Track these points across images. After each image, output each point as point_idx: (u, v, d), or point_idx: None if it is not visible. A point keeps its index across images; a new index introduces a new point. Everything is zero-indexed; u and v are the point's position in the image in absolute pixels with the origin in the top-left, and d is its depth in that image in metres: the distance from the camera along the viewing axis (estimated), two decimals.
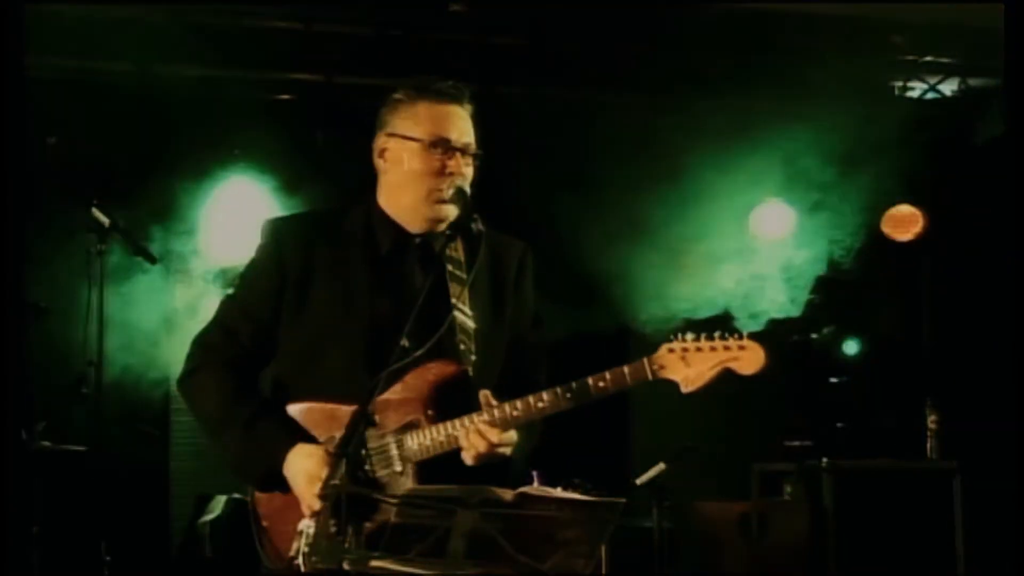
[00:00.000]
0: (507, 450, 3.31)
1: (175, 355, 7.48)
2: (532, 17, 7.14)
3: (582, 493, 3.31)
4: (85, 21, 6.70)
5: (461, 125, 3.43)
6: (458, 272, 3.42)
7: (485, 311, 3.44)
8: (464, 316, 3.39)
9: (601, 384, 3.27)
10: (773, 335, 7.20)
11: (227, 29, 6.99)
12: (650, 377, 3.27)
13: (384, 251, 3.46)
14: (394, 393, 3.33)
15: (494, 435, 3.27)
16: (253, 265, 3.54)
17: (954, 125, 8.13)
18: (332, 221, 3.53)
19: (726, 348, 3.25)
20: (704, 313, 7.26)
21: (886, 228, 8.26)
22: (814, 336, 8.34)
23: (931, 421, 7.78)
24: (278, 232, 3.52)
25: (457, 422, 3.30)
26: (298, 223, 3.58)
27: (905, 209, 8.24)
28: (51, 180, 6.87)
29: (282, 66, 7.40)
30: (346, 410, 3.19)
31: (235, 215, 7.55)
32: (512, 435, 3.31)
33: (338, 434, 3.14)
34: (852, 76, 7.44)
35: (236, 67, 7.27)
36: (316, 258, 3.45)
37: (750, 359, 3.25)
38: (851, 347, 8.46)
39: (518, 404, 3.28)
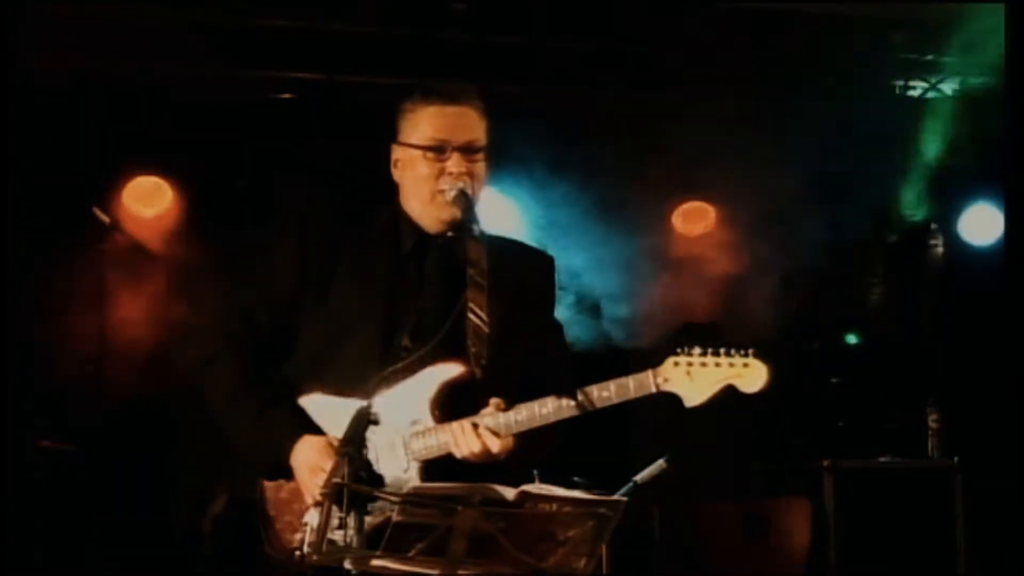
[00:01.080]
0: (501, 455, 3.32)
1: (176, 354, 7.52)
2: (533, 16, 7.14)
3: (583, 492, 3.32)
4: (85, 21, 6.70)
5: (461, 124, 3.44)
6: (479, 278, 3.43)
7: (504, 318, 3.45)
8: (479, 320, 3.41)
9: (605, 395, 3.30)
10: (773, 336, 7.21)
11: (227, 28, 7.00)
12: (654, 390, 3.30)
13: (406, 250, 3.48)
14: (404, 391, 3.35)
15: (495, 445, 3.29)
16: (275, 255, 3.56)
17: (955, 124, 8.14)
18: (358, 217, 3.56)
19: (731, 365, 3.28)
20: (701, 315, 7.27)
21: (887, 227, 8.27)
22: (814, 335, 8.33)
23: (931, 420, 7.78)
24: (303, 224, 3.54)
25: (464, 423, 3.31)
26: (324, 216, 3.59)
27: (906, 208, 8.24)
28: (51, 179, 6.87)
29: (283, 65, 7.40)
30: (358, 402, 3.21)
31: (235, 214, 7.56)
32: (508, 442, 3.33)
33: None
34: (852, 75, 7.44)
35: (236, 66, 7.27)
36: (339, 252, 3.47)
37: (753, 377, 3.28)
38: (852, 349, 8.46)
39: (522, 410, 3.31)
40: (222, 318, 3.55)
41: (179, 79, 7.23)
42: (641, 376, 3.30)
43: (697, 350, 3.29)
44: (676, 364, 3.29)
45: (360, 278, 3.45)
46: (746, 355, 3.28)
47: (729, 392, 3.30)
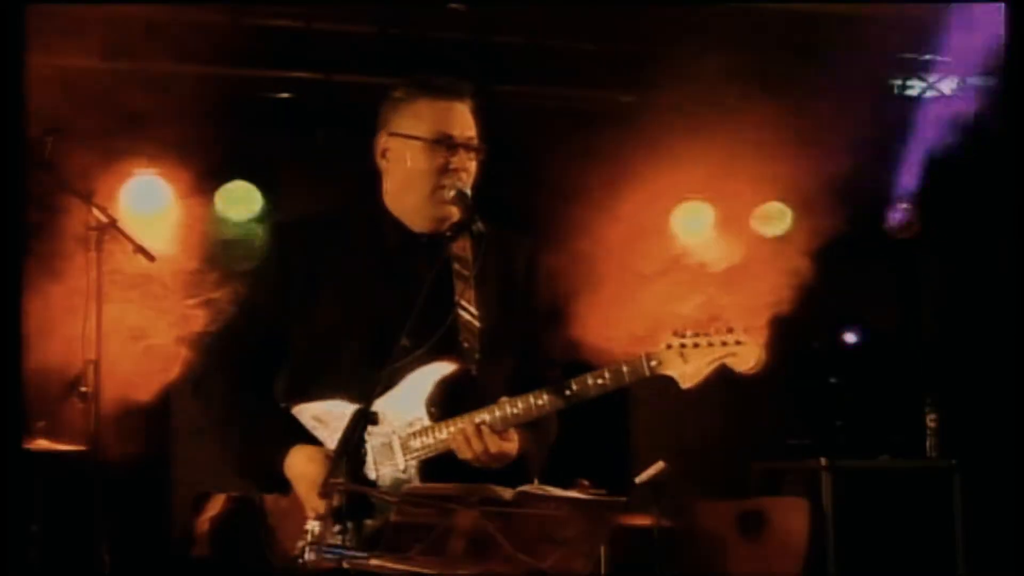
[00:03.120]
0: (496, 464, 3.31)
1: (174, 353, 7.51)
2: (532, 16, 7.14)
3: (581, 492, 3.32)
4: (85, 19, 6.70)
5: (463, 121, 3.43)
6: (465, 271, 3.42)
7: (492, 310, 3.45)
8: (469, 315, 3.40)
9: (600, 381, 3.29)
10: (772, 335, 7.19)
11: (226, 27, 6.99)
12: (647, 373, 3.29)
13: (390, 250, 3.47)
14: (398, 391, 3.34)
15: (492, 443, 3.28)
16: (260, 268, 3.58)
17: (953, 123, 8.13)
18: (338, 222, 3.54)
19: (723, 344, 3.28)
20: (699, 314, 7.24)
21: (885, 227, 8.27)
22: (813, 334, 8.33)
23: (930, 420, 7.79)
24: (283, 235, 3.55)
25: (460, 420, 3.31)
26: (304, 225, 3.59)
27: (903, 207, 8.24)
28: (50, 178, 6.86)
29: (281, 64, 7.40)
30: (352, 407, 3.18)
31: (234, 213, 7.56)
32: (512, 447, 3.32)
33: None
34: (851, 74, 7.44)
35: (235, 65, 7.27)
36: (323, 259, 3.46)
37: (747, 355, 3.27)
38: (851, 349, 8.46)
39: (518, 403, 3.30)
40: (213, 334, 3.56)
41: (178, 79, 7.23)
42: (634, 360, 3.30)
43: (690, 331, 3.29)
44: (669, 347, 3.29)
45: (344, 281, 3.44)
46: (738, 333, 3.28)
47: (727, 377, 3.30)
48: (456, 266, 3.43)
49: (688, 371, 3.27)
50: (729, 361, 3.28)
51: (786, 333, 7.44)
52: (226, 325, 3.57)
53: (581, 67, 7.56)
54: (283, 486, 3.36)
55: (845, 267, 7.92)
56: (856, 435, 7.95)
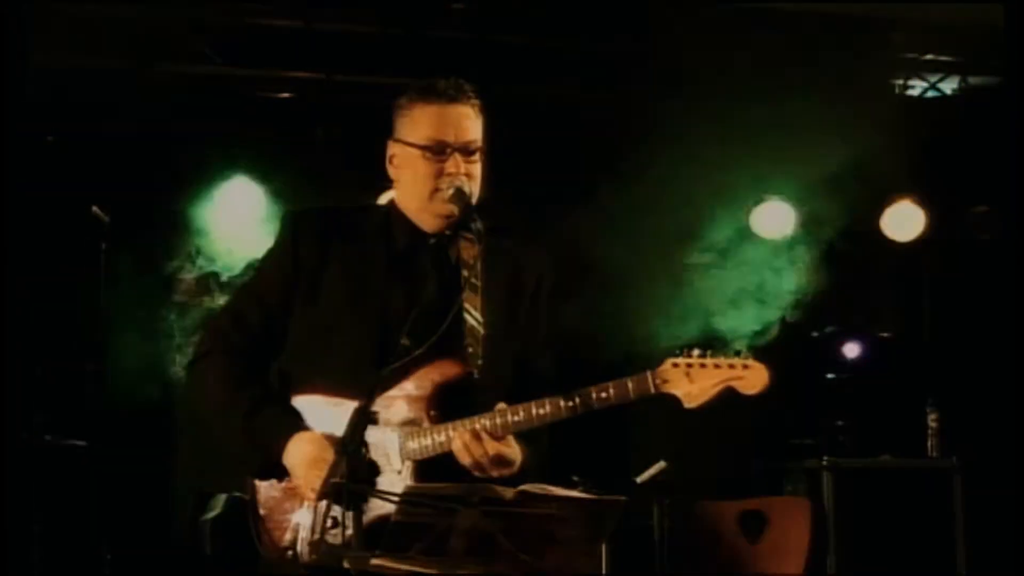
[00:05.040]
0: (496, 471, 3.30)
1: (174, 352, 7.53)
2: (533, 15, 7.14)
3: (582, 491, 3.32)
4: (85, 19, 6.70)
5: (459, 124, 3.43)
6: (473, 278, 3.43)
7: (498, 318, 3.45)
8: (474, 320, 3.40)
9: (603, 395, 3.28)
10: (774, 334, 7.21)
11: (227, 27, 7.00)
12: (653, 391, 3.28)
13: (399, 249, 3.47)
14: (399, 391, 3.34)
15: (491, 447, 3.28)
16: (269, 255, 3.57)
17: (954, 123, 8.13)
18: (353, 217, 3.56)
19: (731, 366, 3.26)
20: (703, 316, 7.25)
21: (886, 227, 8.27)
22: (815, 334, 8.33)
23: (931, 419, 7.79)
24: (296, 224, 3.54)
25: (459, 424, 3.31)
26: (318, 216, 3.58)
27: (905, 207, 8.24)
28: (50, 178, 6.87)
29: (282, 64, 7.41)
30: (350, 404, 3.16)
31: (234, 213, 7.57)
32: (512, 452, 3.32)
33: (340, 430, 3.16)
34: (852, 74, 7.44)
35: (236, 65, 7.28)
36: (332, 251, 3.46)
37: (754, 379, 3.26)
38: (852, 349, 8.45)
39: (519, 411, 3.30)
40: (216, 315, 3.56)
41: (179, 79, 7.23)
42: (640, 377, 3.29)
43: (696, 351, 3.28)
44: (675, 365, 3.27)
45: (352, 277, 3.44)
46: (746, 357, 3.28)
47: (729, 393, 3.29)
48: (464, 272, 3.43)
49: (693, 391, 3.26)
50: (736, 384, 3.26)
51: (787, 333, 7.48)
52: (231, 307, 3.57)
53: (581, 67, 7.56)
54: (281, 475, 3.37)
55: (846, 267, 7.93)
56: (857, 435, 7.95)
